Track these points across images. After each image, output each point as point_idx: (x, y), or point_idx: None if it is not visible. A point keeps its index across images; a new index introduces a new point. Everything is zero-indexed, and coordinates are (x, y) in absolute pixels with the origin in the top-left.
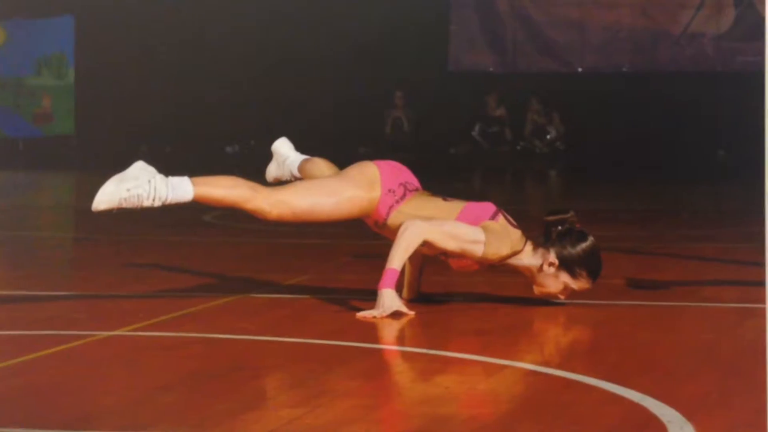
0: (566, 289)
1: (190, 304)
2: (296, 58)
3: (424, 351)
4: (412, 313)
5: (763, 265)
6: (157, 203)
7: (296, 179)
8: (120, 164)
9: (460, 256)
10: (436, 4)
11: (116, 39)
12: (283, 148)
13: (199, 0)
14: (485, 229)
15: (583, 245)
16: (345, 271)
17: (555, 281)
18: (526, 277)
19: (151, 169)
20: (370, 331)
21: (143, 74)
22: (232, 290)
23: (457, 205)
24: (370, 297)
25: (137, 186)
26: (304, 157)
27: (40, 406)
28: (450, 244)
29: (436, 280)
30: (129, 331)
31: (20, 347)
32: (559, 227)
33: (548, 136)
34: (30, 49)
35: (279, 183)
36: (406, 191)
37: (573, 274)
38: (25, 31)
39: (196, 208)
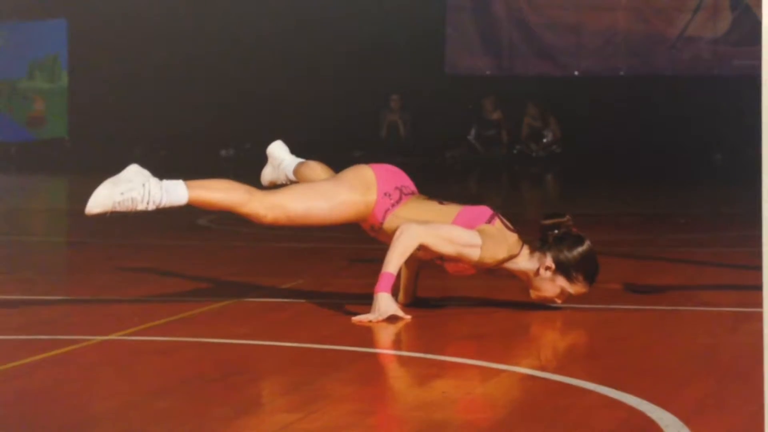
0: (563, 293)
1: (185, 308)
2: (292, 61)
3: (420, 355)
4: (408, 317)
5: (760, 268)
6: (152, 207)
7: (292, 183)
8: (114, 168)
9: (457, 260)
10: (433, 8)
11: (110, 41)
12: (278, 151)
13: (193, 3)
14: (481, 232)
15: (580, 249)
16: (341, 275)
17: (552, 285)
18: (522, 281)
19: (146, 173)
20: (366, 336)
21: (137, 77)
22: (227, 294)
23: (453, 209)
24: (366, 301)
25: (131, 189)
26: (299, 160)
27: (33, 412)
28: (446, 248)
29: (432, 284)
30: (123, 335)
31: (13, 352)
32: (556, 231)
33: (544, 140)
34: (22, 52)
35: (274, 186)
36: (402, 195)
37: (570, 278)
38: (17, 34)
39: (190, 211)
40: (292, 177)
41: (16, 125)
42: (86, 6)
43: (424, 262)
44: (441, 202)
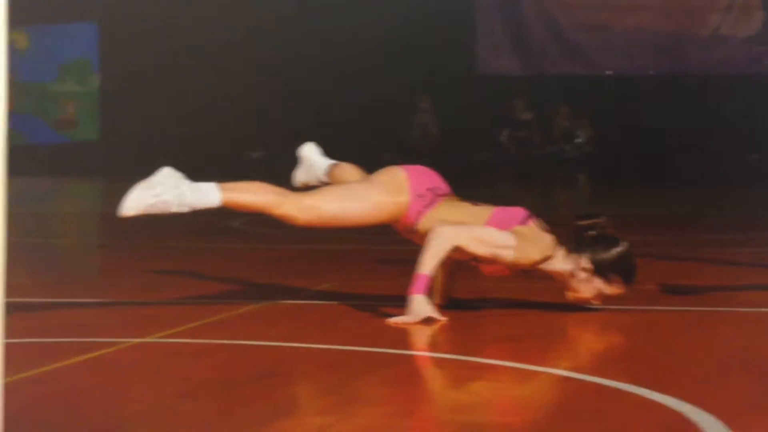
0: (600, 294)
1: (218, 311)
2: (323, 63)
3: (456, 357)
4: (443, 318)
5: None
6: (185, 209)
7: (324, 184)
8: (145, 170)
9: (491, 261)
10: (462, 8)
11: (141, 44)
12: (310, 153)
13: (223, 5)
14: (516, 234)
15: (617, 250)
16: (375, 277)
17: (588, 286)
18: (558, 282)
19: (178, 175)
20: (401, 337)
21: (168, 79)
22: (261, 296)
23: (486, 210)
24: (400, 303)
25: (164, 192)
26: (332, 162)
27: (66, 415)
28: (480, 249)
29: (467, 285)
30: (156, 338)
31: (47, 355)
32: (592, 232)
33: (577, 140)
34: (53, 55)
35: (307, 188)
36: (435, 196)
37: (607, 280)
38: (47, 36)
39: (223, 213)
40: (324, 179)
41: (47, 128)
42: (117, 9)
43: (459, 263)
44: (474, 204)
